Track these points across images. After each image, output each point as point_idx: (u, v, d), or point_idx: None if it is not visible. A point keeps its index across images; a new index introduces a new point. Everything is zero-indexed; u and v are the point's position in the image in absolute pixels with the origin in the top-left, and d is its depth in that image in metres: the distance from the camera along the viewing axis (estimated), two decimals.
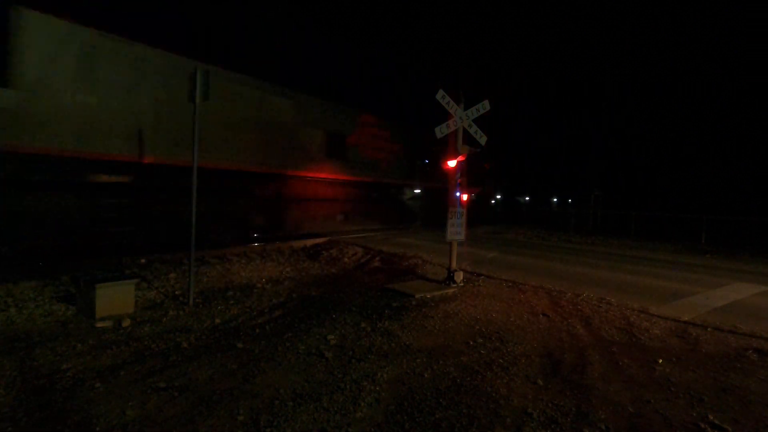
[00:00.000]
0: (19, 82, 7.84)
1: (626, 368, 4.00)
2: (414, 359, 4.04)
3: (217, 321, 5.09)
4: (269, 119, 12.62)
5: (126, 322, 4.86)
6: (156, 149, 9.92)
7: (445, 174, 7.29)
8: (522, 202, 41.87)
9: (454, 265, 7.28)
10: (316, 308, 5.69)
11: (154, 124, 9.91)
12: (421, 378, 3.67)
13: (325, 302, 6.00)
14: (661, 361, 4.19)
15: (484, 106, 7.40)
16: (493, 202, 26.50)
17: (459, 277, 7.24)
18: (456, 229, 7.20)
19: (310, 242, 12.14)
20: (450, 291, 6.82)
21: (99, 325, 4.78)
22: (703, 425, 3.04)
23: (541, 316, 5.61)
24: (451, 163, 7.23)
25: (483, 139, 7.53)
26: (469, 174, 7.45)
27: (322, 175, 14.61)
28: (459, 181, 7.22)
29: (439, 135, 7.05)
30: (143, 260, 8.28)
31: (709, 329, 5.21)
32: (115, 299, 5.18)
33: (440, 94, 6.99)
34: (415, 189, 20.04)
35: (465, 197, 7.35)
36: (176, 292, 6.32)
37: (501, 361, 4.09)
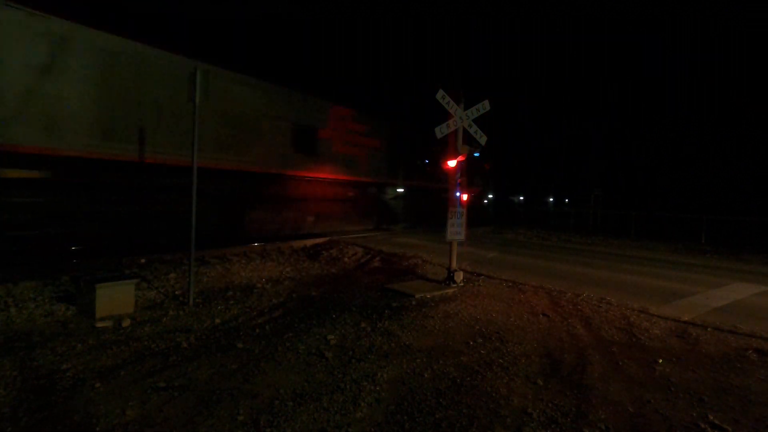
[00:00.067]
0: None
1: (626, 368, 4.00)
2: (414, 359, 4.04)
3: (217, 321, 5.10)
4: (228, 110, 11.28)
5: (126, 322, 4.86)
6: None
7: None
8: (516, 201, 41.28)
9: (454, 265, 7.28)
10: (316, 308, 5.69)
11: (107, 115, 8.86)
12: (421, 378, 3.67)
13: (325, 302, 6.00)
14: (661, 361, 4.19)
15: (484, 106, 7.41)
16: (485, 201, 25.91)
17: (459, 277, 7.25)
18: (456, 229, 7.20)
19: (310, 242, 12.14)
20: (450, 291, 6.82)
21: (99, 325, 4.78)
22: (703, 425, 3.04)
23: (541, 316, 5.61)
24: (451, 163, 7.24)
25: (483, 139, 7.53)
26: (469, 174, 7.44)
27: (289, 172, 13.18)
28: (459, 181, 7.22)
29: (439, 135, 7.05)
30: (143, 260, 8.28)
31: (709, 329, 5.21)
32: (115, 299, 5.18)
33: (440, 94, 6.99)
34: (398, 188, 18.54)
35: (465, 197, 7.35)
36: (176, 292, 6.32)
37: (501, 361, 4.09)
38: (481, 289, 7.06)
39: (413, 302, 6.08)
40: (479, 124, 7.45)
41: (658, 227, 20.56)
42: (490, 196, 25.74)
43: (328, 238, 12.97)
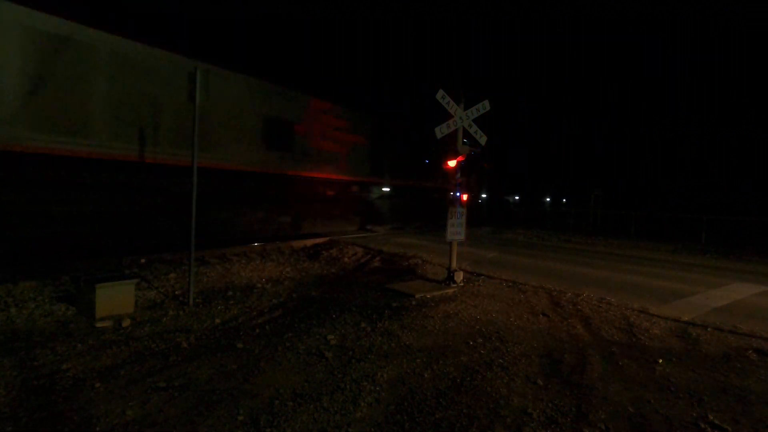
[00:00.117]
0: None
1: (626, 368, 4.00)
2: (414, 359, 4.04)
3: (217, 321, 5.10)
4: (186, 102, 10.82)
5: (126, 322, 4.86)
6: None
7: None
8: (512, 201, 40.45)
9: (454, 265, 7.28)
10: (316, 308, 5.69)
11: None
12: (421, 378, 3.67)
13: (325, 302, 6.00)
14: (661, 361, 4.19)
15: (484, 106, 7.41)
16: (479, 201, 25.36)
17: (459, 277, 7.24)
18: (456, 229, 7.20)
19: (310, 242, 12.15)
20: (450, 291, 6.82)
21: (99, 325, 4.78)
22: (703, 425, 3.04)
23: (541, 316, 5.61)
24: (451, 163, 7.24)
25: (483, 139, 7.53)
26: (469, 174, 7.44)
27: (258, 170, 12.02)
28: (459, 180, 7.22)
29: (439, 135, 7.05)
30: (143, 260, 8.28)
31: (709, 329, 5.21)
32: (115, 299, 5.18)
33: (440, 94, 6.99)
34: (384, 187, 17.45)
35: (465, 197, 7.35)
36: (176, 292, 6.32)
37: (501, 361, 4.09)
38: (481, 289, 7.06)
39: (413, 302, 6.08)
40: (479, 124, 7.45)
41: (658, 227, 20.56)
42: (484, 195, 25.22)
43: (328, 238, 12.97)
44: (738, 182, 37.98)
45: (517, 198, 42.99)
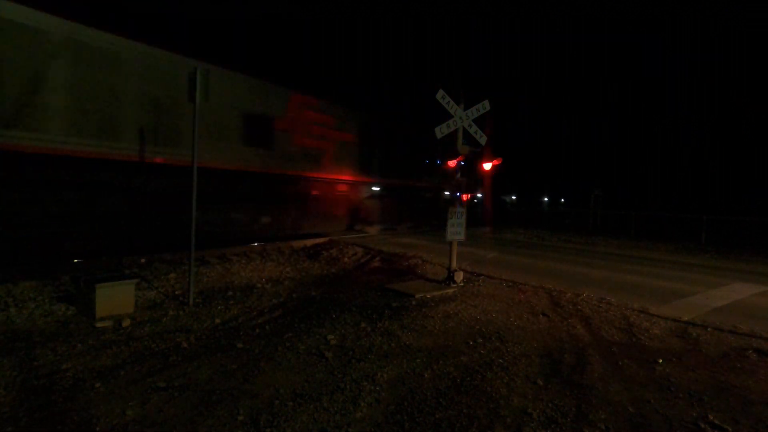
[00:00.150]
0: None
1: (626, 368, 4.00)
2: (414, 359, 4.04)
3: (217, 321, 5.10)
4: (159, 94, 9.66)
5: (126, 322, 4.86)
6: None
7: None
8: (508, 201, 39.79)
9: (454, 265, 7.28)
10: (316, 308, 5.69)
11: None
12: (421, 378, 3.67)
13: (325, 302, 6.00)
14: (661, 361, 4.19)
15: (484, 106, 7.41)
16: (476, 201, 24.80)
17: (459, 277, 7.25)
18: (456, 229, 7.20)
19: (310, 242, 12.15)
20: (450, 291, 6.82)
21: (99, 325, 4.78)
22: (703, 425, 3.04)
23: (541, 316, 5.61)
24: (451, 163, 7.24)
25: (483, 139, 7.53)
26: (469, 174, 7.46)
27: (234, 167, 11.25)
28: (459, 180, 7.23)
29: (439, 135, 7.05)
30: (143, 260, 8.28)
31: (709, 329, 5.21)
32: (115, 299, 5.18)
33: (440, 94, 6.99)
34: (374, 186, 16.79)
35: (466, 197, 7.36)
36: (176, 292, 6.32)
37: (501, 361, 4.09)
38: (481, 289, 7.06)
39: (413, 302, 6.08)
40: (479, 123, 7.45)
41: (658, 227, 20.55)
42: (479, 195, 24.62)
43: (328, 238, 12.97)
44: (738, 182, 37.98)
45: (513, 198, 42.45)
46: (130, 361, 3.86)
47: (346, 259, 9.83)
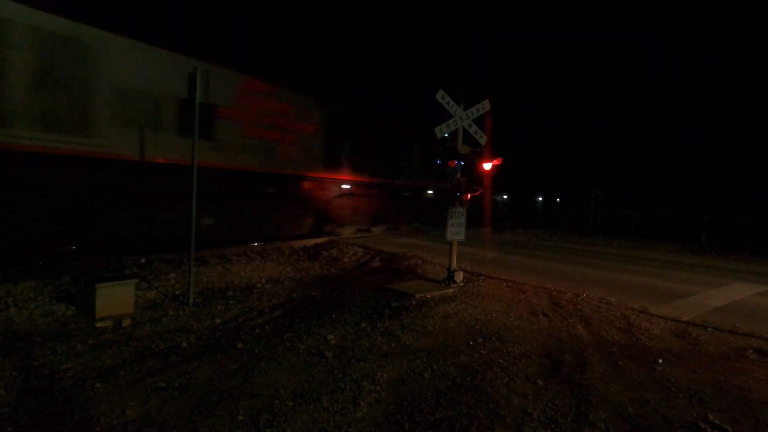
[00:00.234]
0: None
1: (626, 368, 4.00)
2: (414, 359, 4.05)
3: (217, 321, 5.10)
4: (76, 75, 8.31)
5: (126, 322, 4.86)
6: None
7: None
8: (500, 200, 38.41)
9: (454, 265, 7.28)
10: (316, 308, 5.69)
11: None
12: (421, 378, 3.67)
13: (325, 302, 6.00)
14: (661, 361, 4.19)
15: (484, 106, 7.41)
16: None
17: (459, 277, 7.25)
18: (456, 229, 7.20)
19: (310, 242, 12.15)
20: (450, 291, 6.82)
21: (99, 325, 4.78)
22: (703, 425, 3.04)
23: (541, 316, 5.62)
24: (451, 163, 7.25)
25: (483, 139, 7.53)
26: (469, 174, 7.46)
27: (163, 160, 9.73)
28: (459, 180, 7.23)
29: (439, 135, 7.05)
30: (143, 260, 8.28)
31: (709, 329, 5.21)
32: (115, 299, 5.18)
33: (440, 94, 6.99)
34: (344, 184, 15.13)
35: (467, 196, 7.35)
36: (176, 292, 6.32)
37: (501, 361, 4.09)
38: (481, 289, 7.06)
39: (413, 302, 6.08)
40: (479, 123, 7.46)
41: (658, 227, 20.57)
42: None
43: (328, 238, 12.98)
44: (738, 182, 38.00)
45: (505, 197, 41.31)
46: (130, 361, 3.86)
47: (346, 259, 9.83)
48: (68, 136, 8.17)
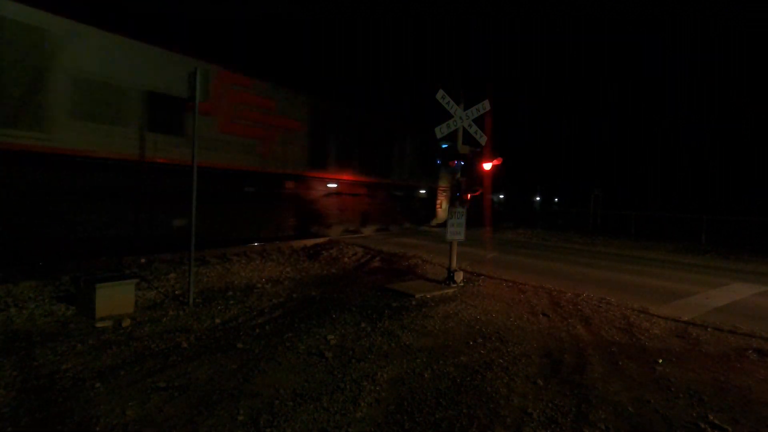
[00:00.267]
0: None
1: (626, 368, 4.00)
2: (414, 359, 4.05)
3: (217, 321, 5.10)
4: (29, 63, 7.67)
5: (126, 322, 4.86)
6: None
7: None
8: (495, 200, 37.71)
9: (454, 265, 7.28)
10: (316, 308, 5.69)
11: None
12: (421, 378, 3.67)
13: (325, 302, 6.01)
14: (661, 361, 4.19)
15: (484, 106, 7.41)
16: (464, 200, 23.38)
17: (459, 277, 7.25)
18: (456, 229, 7.20)
19: (310, 242, 12.15)
20: (450, 291, 6.82)
21: (99, 325, 4.78)
22: (703, 425, 3.04)
23: (541, 316, 5.62)
24: (452, 163, 7.26)
25: (483, 139, 7.54)
26: (470, 173, 7.47)
27: (131, 157, 9.06)
28: (459, 180, 7.23)
29: (439, 135, 7.06)
30: (143, 260, 8.28)
31: (709, 329, 5.21)
32: (115, 299, 5.18)
33: (440, 94, 6.99)
34: (329, 183, 14.42)
35: (468, 196, 7.36)
36: (176, 292, 6.32)
37: (501, 361, 4.09)
38: (481, 289, 7.06)
39: (413, 302, 6.08)
40: (479, 123, 7.46)
41: (658, 227, 20.55)
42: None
43: (328, 238, 12.97)
44: (738, 182, 38.00)
45: (501, 197, 40.89)
46: (130, 361, 3.86)
47: (346, 259, 9.83)
48: (20, 130, 7.60)
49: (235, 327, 4.90)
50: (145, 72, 9.40)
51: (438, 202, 20.68)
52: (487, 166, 7.75)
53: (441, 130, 7.04)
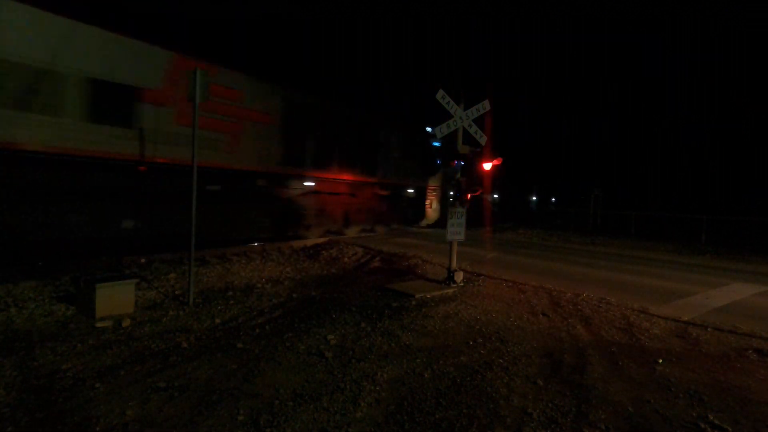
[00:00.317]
0: None
1: (626, 368, 4.00)
2: (414, 359, 4.04)
3: (217, 321, 5.10)
4: None
5: (126, 322, 4.86)
6: None
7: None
8: (491, 200, 38.75)
9: (454, 265, 7.28)
10: (316, 308, 5.69)
11: None
12: (421, 378, 3.67)
13: (325, 302, 6.00)
14: (661, 361, 4.19)
15: (484, 106, 7.41)
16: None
17: (459, 277, 7.25)
18: (456, 229, 7.20)
19: (310, 242, 12.15)
20: (450, 291, 6.82)
21: (99, 325, 4.78)
22: (703, 425, 3.04)
23: (541, 316, 5.62)
24: (452, 163, 7.26)
25: (483, 139, 7.54)
26: (470, 174, 7.47)
27: (72, 150, 8.20)
28: (459, 180, 7.23)
29: (439, 135, 7.06)
30: (143, 260, 8.28)
31: (709, 329, 5.21)
32: (115, 299, 5.18)
33: (440, 94, 6.99)
34: (305, 181, 13.50)
35: (468, 196, 7.36)
36: (176, 292, 6.32)
37: (501, 361, 4.09)
38: (481, 289, 7.06)
39: (413, 302, 6.08)
40: (479, 123, 7.46)
41: (658, 227, 20.56)
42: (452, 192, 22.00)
43: (328, 238, 12.97)
44: (738, 182, 37.98)
45: (495, 196, 40.50)
46: (130, 361, 3.86)
47: (346, 259, 9.83)
48: None
49: (235, 327, 4.90)
50: (85, 56, 8.39)
51: (428, 201, 19.94)
52: (487, 166, 7.74)
53: (441, 130, 7.04)
